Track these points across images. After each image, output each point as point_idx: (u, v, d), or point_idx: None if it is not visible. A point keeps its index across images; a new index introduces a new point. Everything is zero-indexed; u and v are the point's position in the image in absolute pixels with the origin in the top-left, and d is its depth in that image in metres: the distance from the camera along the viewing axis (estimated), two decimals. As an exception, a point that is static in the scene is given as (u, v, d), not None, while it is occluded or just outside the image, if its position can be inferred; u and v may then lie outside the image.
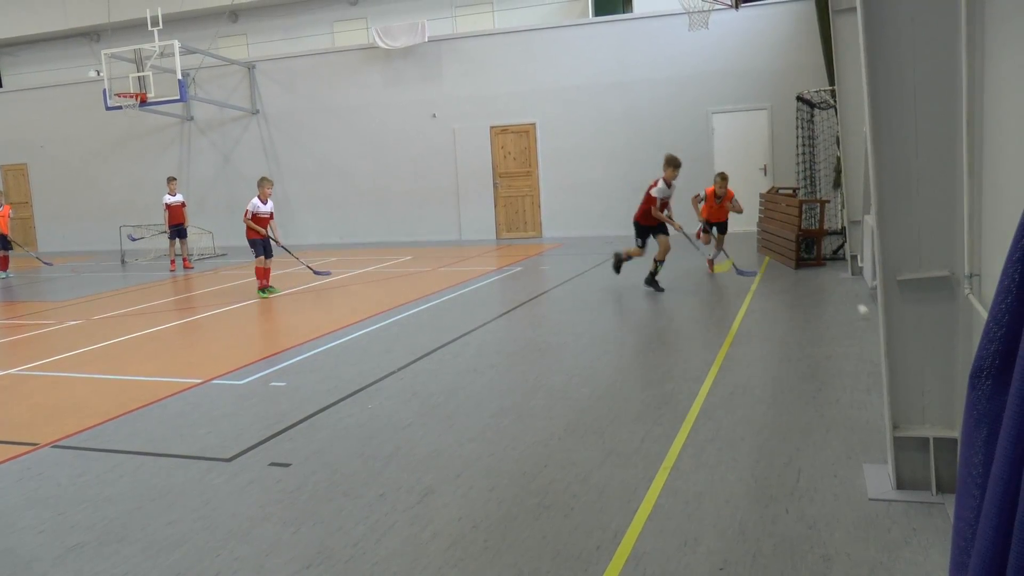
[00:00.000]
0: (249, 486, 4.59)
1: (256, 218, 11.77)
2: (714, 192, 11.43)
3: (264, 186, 11.88)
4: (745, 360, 6.74)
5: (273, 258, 11.98)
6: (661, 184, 10.11)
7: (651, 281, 10.39)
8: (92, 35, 22.79)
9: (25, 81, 23.63)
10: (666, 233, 10.32)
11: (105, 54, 18.34)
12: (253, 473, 4.79)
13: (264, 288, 11.82)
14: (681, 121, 17.45)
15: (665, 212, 10.26)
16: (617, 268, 10.87)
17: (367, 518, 4.07)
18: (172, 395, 6.61)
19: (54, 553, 3.89)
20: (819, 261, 11.96)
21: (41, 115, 22.66)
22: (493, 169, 18.95)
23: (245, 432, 5.55)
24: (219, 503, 4.38)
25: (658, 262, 10.31)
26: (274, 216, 12.12)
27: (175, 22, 20.05)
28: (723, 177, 11.50)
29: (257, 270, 11.86)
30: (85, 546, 3.95)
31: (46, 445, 5.49)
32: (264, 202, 11.85)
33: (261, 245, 11.80)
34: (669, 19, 16.88)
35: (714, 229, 11.69)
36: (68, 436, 5.66)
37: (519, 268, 13.55)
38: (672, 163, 10.10)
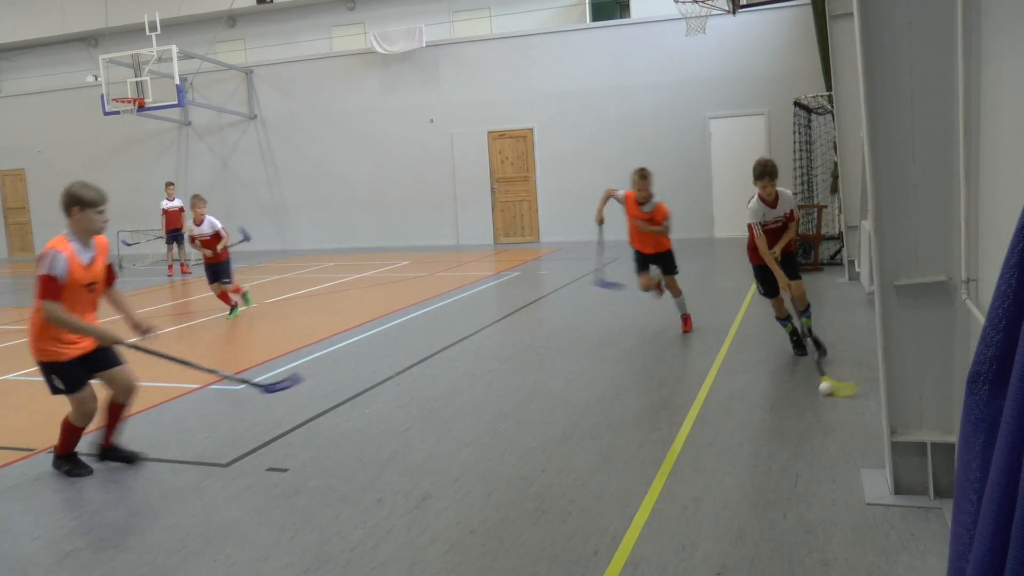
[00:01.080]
0: (246, 491, 4.58)
1: (203, 241, 10.51)
2: (635, 198, 7.86)
3: (194, 205, 10.55)
4: (743, 365, 6.74)
5: (230, 281, 10.52)
6: (754, 203, 6.63)
7: (798, 344, 6.93)
8: (90, 40, 22.79)
9: (23, 86, 23.62)
10: (795, 275, 6.72)
11: (103, 59, 18.36)
12: (250, 478, 4.78)
13: (232, 308, 10.52)
14: (678, 126, 17.49)
15: (773, 249, 6.62)
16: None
17: (365, 523, 4.06)
18: (169, 400, 6.60)
19: (50, 559, 3.88)
20: (816, 266, 11.98)
21: (39, 120, 22.65)
22: (491, 174, 18.97)
23: (242, 437, 5.54)
24: (216, 508, 4.37)
25: (800, 314, 6.70)
26: (223, 235, 10.49)
27: (173, 27, 20.06)
28: (642, 175, 7.79)
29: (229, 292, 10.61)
30: (81, 552, 3.93)
31: (43, 451, 5.47)
32: (197, 223, 10.51)
33: (209, 271, 10.56)
34: (666, 24, 16.92)
35: (650, 267, 8.14)
36: (65, 441, 5.65)
37: (517, 273, 13.55)
38: (755, 172, 6.53)
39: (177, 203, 16.63)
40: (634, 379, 6.56)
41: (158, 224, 17.44)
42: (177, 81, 17.97)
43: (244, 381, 5.73)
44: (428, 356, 7.65)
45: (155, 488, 4.71)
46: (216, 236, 10.52)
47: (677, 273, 8.18)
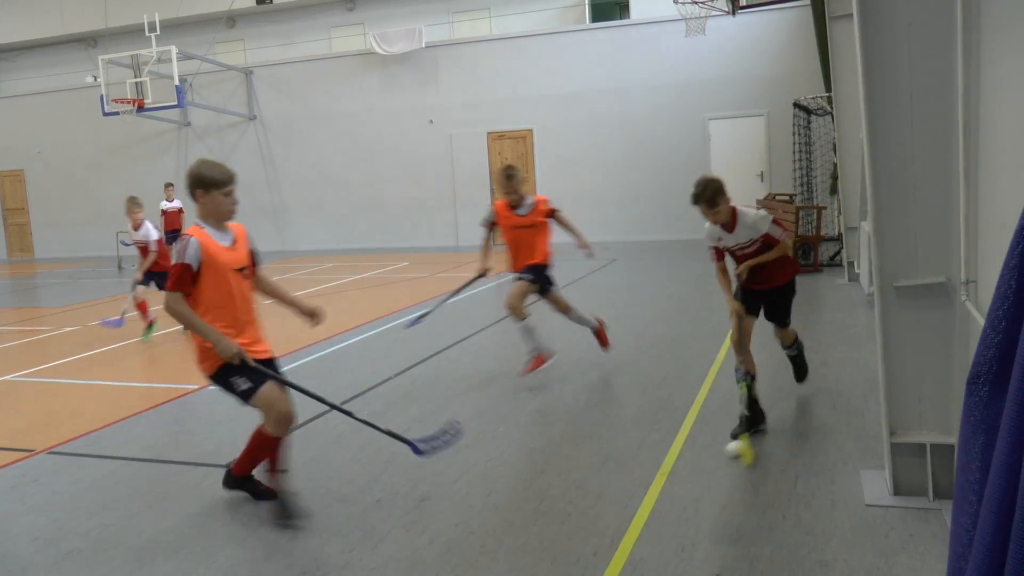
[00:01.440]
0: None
1: (140, 248, 9.54)
2: (506, 204, 6.64)
3: (129, 209, 9.48)
4: (742, 366, 6.73)
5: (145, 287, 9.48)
6: (709, 224, 5.45)
7: (752, 408, 5.09)
8: (89, 41, 22.79)
9: (22, 87, 23.62)
10: (781, 316, 5.51)
11: (102, 60, 18.37)
12: (249, 479, 4.76)
13: (149, 325, 9.43)
14: (678, 127, 17.49)
15: (736, 278, 5.36)
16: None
17: (363, 524, 4.05)
18: (168, 401, 6.59)
19: (49, 560, 3.87)
20: (816, 267, 11.97)
21: (38, 121, 22.65)
22: (490, 175, 18.97)
23: (241, 438, 5.49)
24: (215, 509, 4.36)
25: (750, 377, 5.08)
26: (151, 250, 9.31)
27: (172, 27, 20.06)
28: (507, 175, 6.48)
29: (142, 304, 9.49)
30: (81, 552, 3.93)
31: (42, 452, 5.47)
32: (135, 228, 9.44)
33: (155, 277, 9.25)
34: (666, 25, 16.93)
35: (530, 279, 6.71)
36: (64, 442, 5.64)
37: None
38: (692, 194, 5.32)
39: (176, 204, 16.76)
40: (634, 379, 6.55)
41: (157, 225, 17.43)
42: (176, 82, 17.98)
43: (397, 437, 4.46)
44: (427, 357, 7.64)
45: (155, 488, 4.71)
46: (145, 247, 9.36)
47: (552, 285, 6.78)
